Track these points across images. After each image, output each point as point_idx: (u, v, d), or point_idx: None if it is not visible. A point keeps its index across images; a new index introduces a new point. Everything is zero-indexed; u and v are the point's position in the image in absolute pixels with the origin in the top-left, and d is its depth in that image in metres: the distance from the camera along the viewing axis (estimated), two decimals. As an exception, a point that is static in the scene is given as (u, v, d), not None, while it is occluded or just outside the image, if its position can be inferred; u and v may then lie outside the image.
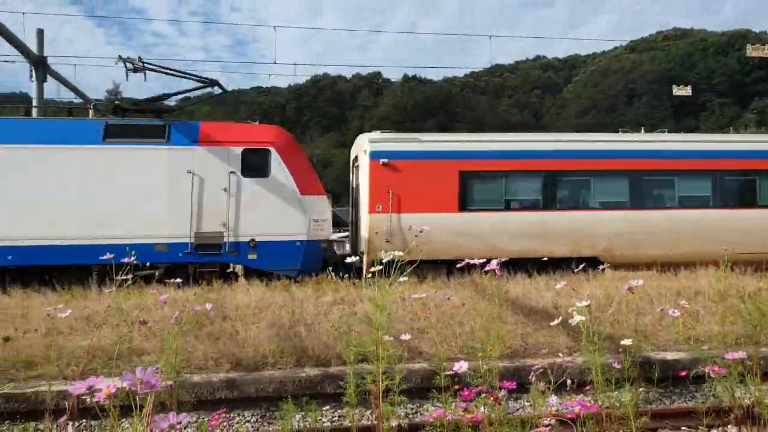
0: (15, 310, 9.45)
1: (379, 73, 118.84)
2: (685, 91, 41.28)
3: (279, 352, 7.70)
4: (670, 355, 7.81)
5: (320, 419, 6.52)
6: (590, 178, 15.52)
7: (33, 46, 20.49)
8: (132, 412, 1.90)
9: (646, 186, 15.70)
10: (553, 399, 3.45)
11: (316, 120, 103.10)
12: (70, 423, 6.15)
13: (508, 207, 15.20)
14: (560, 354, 7.74)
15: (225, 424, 5.97)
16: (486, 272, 3.34)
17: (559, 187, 15.44)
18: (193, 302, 9.20)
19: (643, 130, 20.91)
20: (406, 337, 4.26)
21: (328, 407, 6.81)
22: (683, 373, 5.60)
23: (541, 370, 3.89)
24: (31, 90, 21.41)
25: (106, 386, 1.53)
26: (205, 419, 5.87)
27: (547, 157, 15.45)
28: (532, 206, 15.32)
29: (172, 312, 6.23)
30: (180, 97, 16.95)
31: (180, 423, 1.52)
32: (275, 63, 35.87)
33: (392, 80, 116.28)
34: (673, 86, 42.97)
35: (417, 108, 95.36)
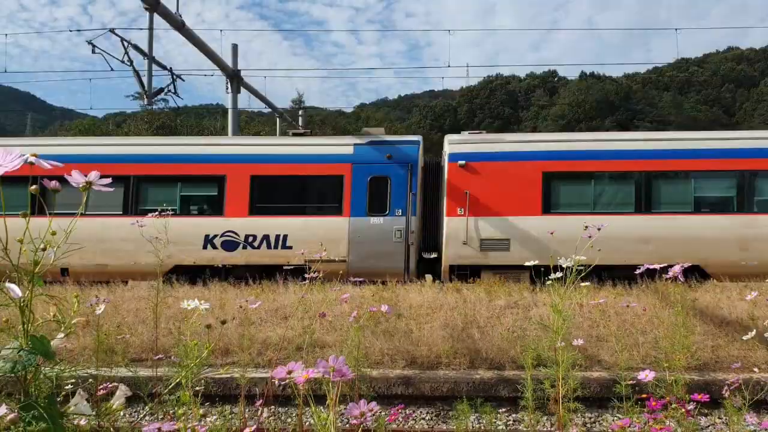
0: (213, 301, 10.36)
1: (554, 72, 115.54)
2: None
3: (452, 353, 7.77)
4: None
5: (494, 422, 6.50)
6: None
7: (228, 61, 22.31)
8: (313, 401, 2.03)
9: None
10: (751, 417, 3.19)
11: (488, 122, 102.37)
12: (263, 408, 6.63)
13: None
14: (756, 369, 7.10)
15: (401, 419, 6.14)
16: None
17: None
18: (369, 300, 9.55)
19: None
20: (578, 342, 4.14)
21: (503, 410, 6.77)
22: None
23: (736, 384, 3.61)
24: (227, 101, 23.33)
25: (305, 372, 1.65)
26: (383, 413, 6.09)
27: None
28: None
29: (351, 308, 6.53)
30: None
31: (371, 410, 1.61)
32: (449, 66, 36.16)
33: (569, 78, 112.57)
34: None
35: (595, 106, 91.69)
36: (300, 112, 36.49)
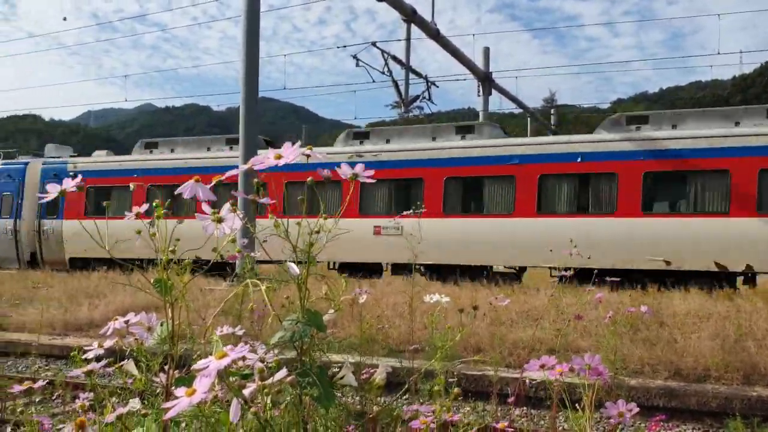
0: (465, 300, 10.59)
1: None
2: None
3: (723, 366, 7.06)
4: None
5: (775, 445, 5.78)
6: None
7: (480, 64, 22.65)
8: (569, 404, 1.97)
9: None
10: None
11: None
12: (515, 407, 6.62)
13: None
14: None
15: (662, 431, 5.73)
16: None
17: None
18: (627, 304, 9.06)
19: None
20: None
21: (784, 433, 5.99)
22: None
23: None
24: (478, 104, 23.70)
25: (558, 366, 1.62)
26: (642, 424, 5.73)
27: None
28: None
29: (606, 312, 6.24)
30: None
31: (630, 411, 1.53)
32: (718, 53, 32.64)
33: None
34: None
35: None
36: (552, 111, 35.82)
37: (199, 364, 0.95)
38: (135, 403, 1.55)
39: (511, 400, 3.22)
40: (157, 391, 1.51)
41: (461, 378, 7.13)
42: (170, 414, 0.90)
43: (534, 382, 6.51)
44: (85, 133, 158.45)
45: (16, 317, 10.27)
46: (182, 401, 0.90)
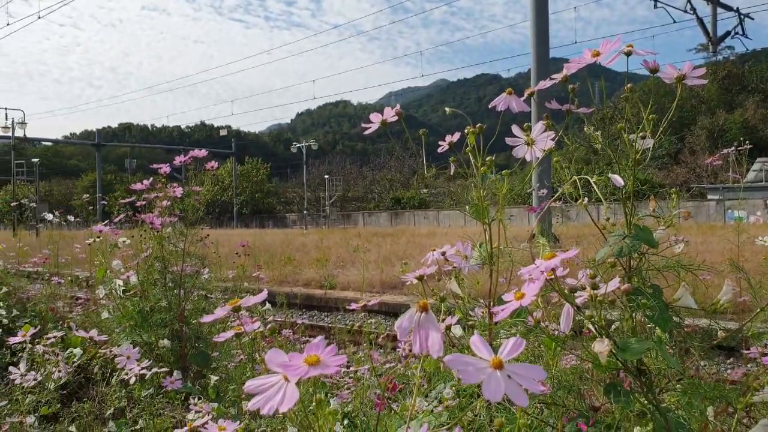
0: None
1: None
2: None
3: None
4: None
5: None
6: None
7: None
8: None
9: None
10: None
11: None
12: None
13: None
14: None
15: None
16: None
17: None
18: None
19: None
20: None
21: None
22: None
23: None
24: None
25: None
26: None
27: None
28: None
29: None
30: None
31: None
32: None
33: None
34: None
35: None
36: None
37: (527, 268, 0.92)
38: (457, 330, 1.60)
39: None
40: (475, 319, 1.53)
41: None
42: (500, 316, 0.90)
43: None
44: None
45: (342, 278, 11.52)
46: (512, 304, 0.89)
